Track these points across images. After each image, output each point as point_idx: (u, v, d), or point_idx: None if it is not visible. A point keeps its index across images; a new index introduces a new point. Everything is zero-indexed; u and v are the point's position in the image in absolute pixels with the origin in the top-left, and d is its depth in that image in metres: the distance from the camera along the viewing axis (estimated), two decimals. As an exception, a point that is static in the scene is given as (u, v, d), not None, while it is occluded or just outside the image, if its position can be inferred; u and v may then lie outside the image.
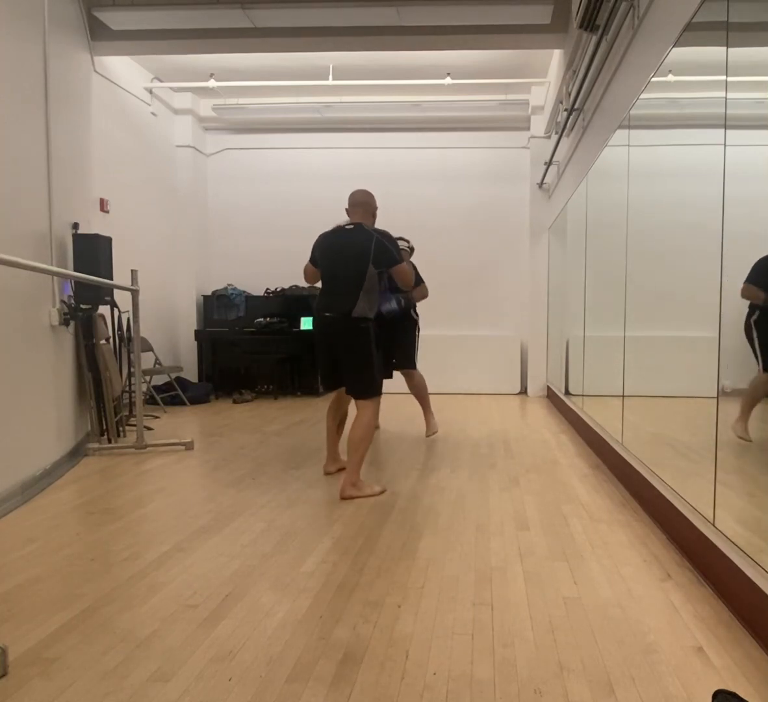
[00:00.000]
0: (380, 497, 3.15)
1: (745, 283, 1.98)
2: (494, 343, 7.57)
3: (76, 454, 4.02)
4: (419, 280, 4.67)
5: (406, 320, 4.78)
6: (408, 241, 4.57)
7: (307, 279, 3.57)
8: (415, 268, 4.58)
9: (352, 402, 3.46)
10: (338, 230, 3.39)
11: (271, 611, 1.93)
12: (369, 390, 3.32)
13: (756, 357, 1.96)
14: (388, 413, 5.88)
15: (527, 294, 7.49)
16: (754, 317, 1.96)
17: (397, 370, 4.82)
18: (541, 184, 7.24)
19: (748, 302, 2.00)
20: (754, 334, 1.97)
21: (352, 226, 3.36)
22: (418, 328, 4.90)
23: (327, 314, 3.31)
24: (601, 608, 1.93)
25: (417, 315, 4.89)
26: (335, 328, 3.29)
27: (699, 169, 2.31)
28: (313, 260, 3.47)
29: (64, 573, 2.22)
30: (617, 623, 1.84)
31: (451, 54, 6.09)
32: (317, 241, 3.47)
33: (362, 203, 3.43)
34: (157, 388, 6.48)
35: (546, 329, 7.37)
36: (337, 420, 3.65)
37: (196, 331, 7.44)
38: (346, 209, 3.47)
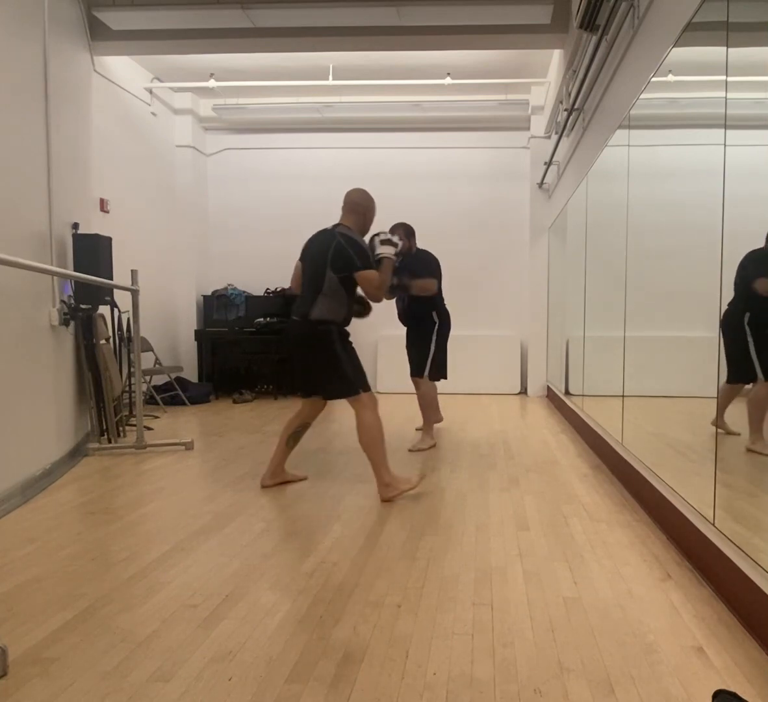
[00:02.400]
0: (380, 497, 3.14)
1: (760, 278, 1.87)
2: (494, 343, 7.57)
3: (76, 454, 4.02)
4: (432, 275, 4.30)
5: (423, 323, 4.37)
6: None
7: (292, 281, 3.37)
8: (438, 268, 4.34)
9: (314, 415, 3.32)
10: (319, 232, 3.28)
11: (271, 611, 1.93)
12: (346, 388, 3.11)
13: (751, 364, 1.87)
14: (389, 413, 5.88)
15: (527, 294, 7.49)
16: (747, 319, 1.89)
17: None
18: (541, 184, 7.24)
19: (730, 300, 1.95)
20: (750, 338, 1.88)
21: (328, 228, 3.24)
22: (438, 333, 4.38)
23: (294, 318, 3.20)
24: (601, 608, 1.93)
25: (438, 317, 4.38)
26: (295, 332, 3.18)
27: (699, 169, 2.31)
28: (301, 258, 3.34)
29: (64, 573, 2.22)
30: (617, 623, 1.84)
31: (451, 54, 6.09)
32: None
33: (349, 202, 3.30)
34: (157, 388, 6.48)
35: (546, 329, 7.37)
36: (291, 430, 3.34)
37: (196, 331, 7.44)
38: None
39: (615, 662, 1.63)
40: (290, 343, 3.24)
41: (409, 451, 4.23)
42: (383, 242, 3.28)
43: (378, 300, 3.17)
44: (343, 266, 3.09)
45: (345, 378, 3.11)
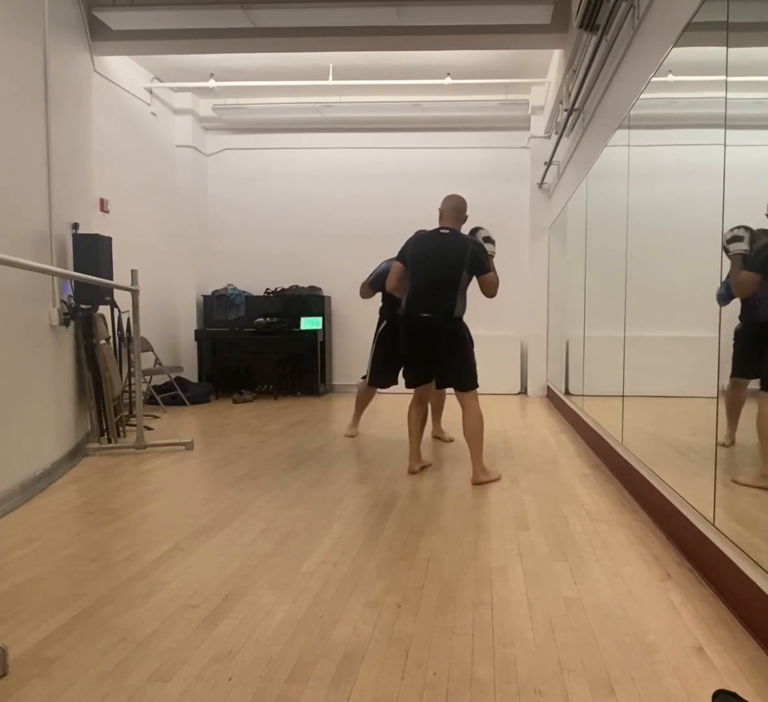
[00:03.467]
0: (380, 497, 3.14)
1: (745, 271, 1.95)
2: (494, 343, 7.56)
3: (76, 454, 4.02)
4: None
5: None
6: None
7: (391, 281, 3.56)
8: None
9: (430, 401, 3.75)
10: (435, 233, 3.52)
11: (271, 611, 1.93)
12: (473, 381, 3.51)
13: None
14: (390, 413, 5.87)
15: (527, 294, 7.49)
16: (737, 326, 1.99)
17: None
18: (541, 184, 7.24)
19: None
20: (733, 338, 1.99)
21: (447, 231, 3.51)
22: None
23: (425, 315, 3.42)
24: (601, 608, 1.93)
25: None
26: (435, 328, 3.44)
27: (699, 169, 2.31)
28: (403, 259, 3.56)
29: (64, 573, 2.22)
30: (617, 623, 1.84)
31: (451, 54, 6.09)
32: (410, 241, 3.58)
33: (456, 209, 3.59)
34: (157, 388, 6.48)
35: (546, 329, 7.37)
36: (421, 419, 3.70)
37: (196, 331, 7.43)
38: (439, 209, 3.63)
39: (615, 662, 1.63)
40: (423, 338, 3.47)
41: (447, 440, 4.66)
42: (486, 240, 3.59)
43: (493, 296, 3.54)
44: (476, 269, 3.45)
45: (473, 372, 3.53)
